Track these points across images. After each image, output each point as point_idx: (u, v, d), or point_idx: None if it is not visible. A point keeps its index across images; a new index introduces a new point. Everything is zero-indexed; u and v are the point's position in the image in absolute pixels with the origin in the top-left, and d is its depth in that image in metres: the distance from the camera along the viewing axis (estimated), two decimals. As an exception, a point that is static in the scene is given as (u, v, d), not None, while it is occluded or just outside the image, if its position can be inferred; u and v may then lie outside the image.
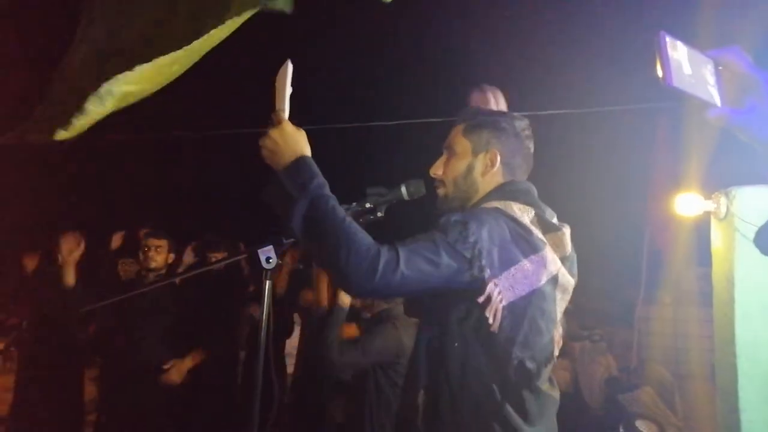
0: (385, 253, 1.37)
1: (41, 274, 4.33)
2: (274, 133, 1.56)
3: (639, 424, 3.76)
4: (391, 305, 2.80)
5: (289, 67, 1.60)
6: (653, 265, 6.34)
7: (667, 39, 0.91)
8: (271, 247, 1.68)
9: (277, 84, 1.62)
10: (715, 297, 3.64)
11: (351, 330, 2.96)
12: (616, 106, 5.73)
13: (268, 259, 1.68)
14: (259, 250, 1.68)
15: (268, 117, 1.60)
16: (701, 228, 3.95)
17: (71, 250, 3.82)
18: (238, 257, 1.79)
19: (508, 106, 1.93)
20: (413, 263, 1.38)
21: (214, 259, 4.58)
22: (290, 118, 1.61)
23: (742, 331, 3.44)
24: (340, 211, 1.46)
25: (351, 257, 1.37)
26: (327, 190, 1.50)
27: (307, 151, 1.57)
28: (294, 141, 1.56)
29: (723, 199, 3.49)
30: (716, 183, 3.67)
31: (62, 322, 3.89)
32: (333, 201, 1.47)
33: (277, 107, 1.60)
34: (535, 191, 1.70)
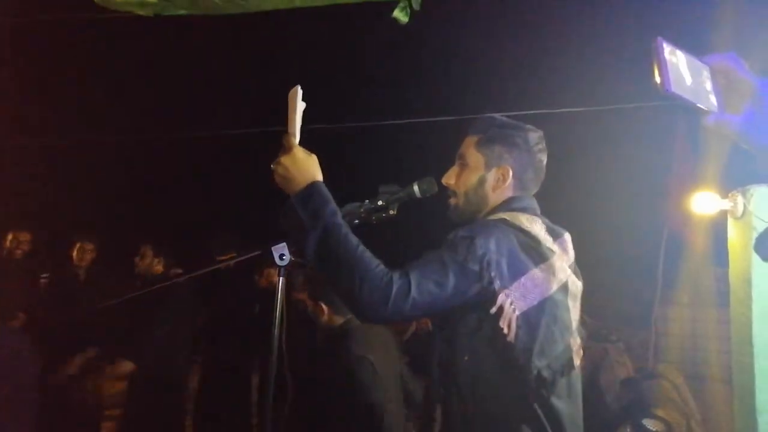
0: (396, 281, 1.40)
1: (60, 274, 4.39)
2: (285, 159, 1.57)
3: (646, 422, 3.72)
4: (345, 319, 2.75)
5: (299, 92, 1.61)
6: (670, 265, 6.28)
7: (665, 45, 0.91)
8: (284, 244, 1.69)
9: (288, 107, 1.62)
10: (733, 297, 3.60)
11: None
12: (633, 104, 5.68)
13: (281, 256, 1.68)
14: (273, 247, 1.69)
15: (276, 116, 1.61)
16: (718, 227, 3.90)
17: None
18: (252, 254, 1.79)
19: (522, 106, 1.93)
20: (424, 288, 1.41)
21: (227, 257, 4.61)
22: (303, 119, 1.61)
23: (760, 332, 3.39)
24: (353, 238, 1.48)
25: (364, 286, 1.40)
26: (339, 218, 1.52)
27: (319, 176, 1.58)
28: (305, 167, 1.57)
29: (740, 198, 3.45)
30: (733, 181, 3.63)
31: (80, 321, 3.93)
32: (345, 229, 1.50)
33: (287, 131, 1.60)
34: (538, 208, 1.71)
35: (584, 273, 1.72)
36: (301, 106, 1.61)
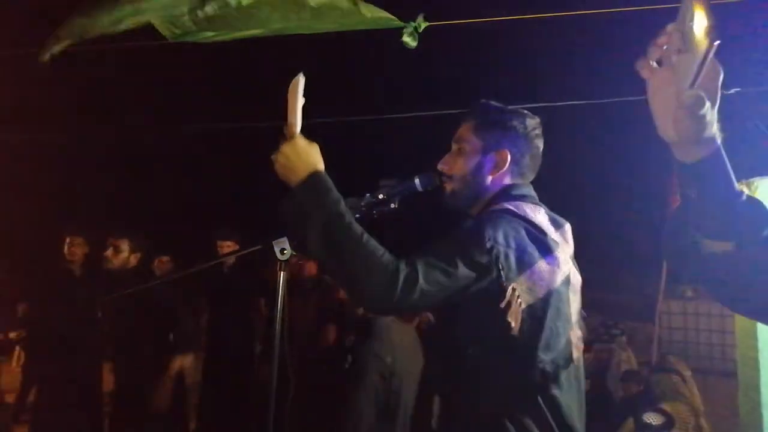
0: (403, 269, 1.36)
1: (55, 266, 4.35)
2: (286, 148, 1.54)
3: (646, 416, 3.71)
4: None
5: (301, 80, 1.58)
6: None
7: None
8: (285, 238, 1.67)
9: (289, 97, 1.60)
10: (737, 291, 3.57)
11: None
12: (637, 97, 5.65)
13: (282, 251, 1.66)
14: (274, 242, 1.67)
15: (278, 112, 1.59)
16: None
17: None
18: (253, 249, 1.77)
19: (526, 98, 1.90)
20: (432, 277, 1.37)
21: (226, 250, 4.60)
22: (305, 112, 1.59)
23: (764, 326, 3.37)
24: (357, 227, 1.44)
25: (370, 275, 1.36)
26: (343, 206, 1.47)
27: (321, 165, 1.54)
28: (307, 155, 1.53)
29: (745, 190, 3.42)
30: (738, 173, 3.59)
31: (78, 314, 3.92)
32: (350, 217, 1.46)
33: (288, 121, 1.57)
34: (536, 195, 1.68)
35: (588, 267, 1.70)
36: (301, 98, 1.59)
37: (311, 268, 5.01)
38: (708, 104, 0.87)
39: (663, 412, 3.78)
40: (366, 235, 1.43)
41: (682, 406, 4.03)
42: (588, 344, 5.95)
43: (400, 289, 1.34)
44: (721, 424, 5.00)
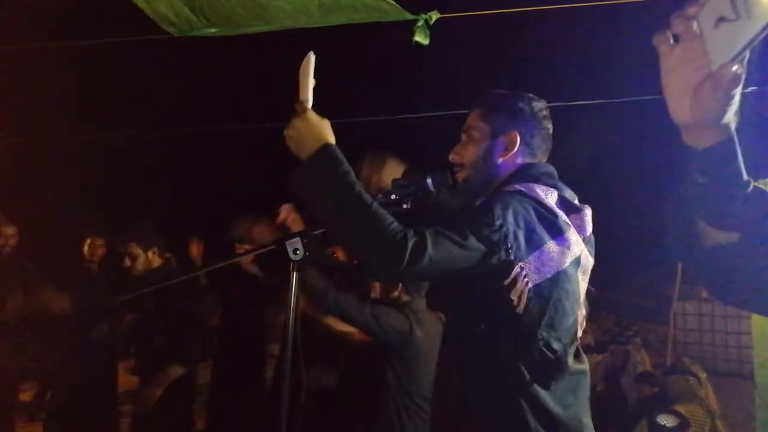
0: (412, 237, 1.38)
1: (72, 266, 4.38)
2: (297, 122, 1.57)
3: (660, 418, 3.68)
4: (411, 299, 2.76)
5: (312, 58, 1.61)
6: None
7: None
8: (298, 238, 1.68)
9: (300, 75, 1.63)
10: (754, 291, 3.53)
11: None
12: (651, 96, 5.60)
13: (295, 251, 1.68)
14: (287, 242, 1.68)
15: (287, 111, 1.61)
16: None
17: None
18: (265, 248, 1.78)
19: (545, 98, 1.88)
20: (441, 246, 1.39)
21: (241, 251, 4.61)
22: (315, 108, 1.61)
23: (782, 327, 3.34)
24: (367, 196, 1.46)
25: (379, 242, 1.39)
26: (353, 177, 1.50)
27: (331, 138, 1.57)
28: (318, 129, 1.57)
29: (764, 188, 3.38)
30: (754, 172, 3.56)
31: (94, 314, 3.94)
32: (359, 187, 1.48)
33: (300, 97, 1.60)
34: (555, 173, 1.68)
35: (602, 268, 1.69)
36: (312, 77, 1.61)
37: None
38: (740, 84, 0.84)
39: (677, 414, 3.76)
40: (375, 204, 1.45)
41: (697, 408, 4.00)
42: (604, 346, 5.91)
43: (408, 256, 1.36)
44: (736, 426, 4.94)
